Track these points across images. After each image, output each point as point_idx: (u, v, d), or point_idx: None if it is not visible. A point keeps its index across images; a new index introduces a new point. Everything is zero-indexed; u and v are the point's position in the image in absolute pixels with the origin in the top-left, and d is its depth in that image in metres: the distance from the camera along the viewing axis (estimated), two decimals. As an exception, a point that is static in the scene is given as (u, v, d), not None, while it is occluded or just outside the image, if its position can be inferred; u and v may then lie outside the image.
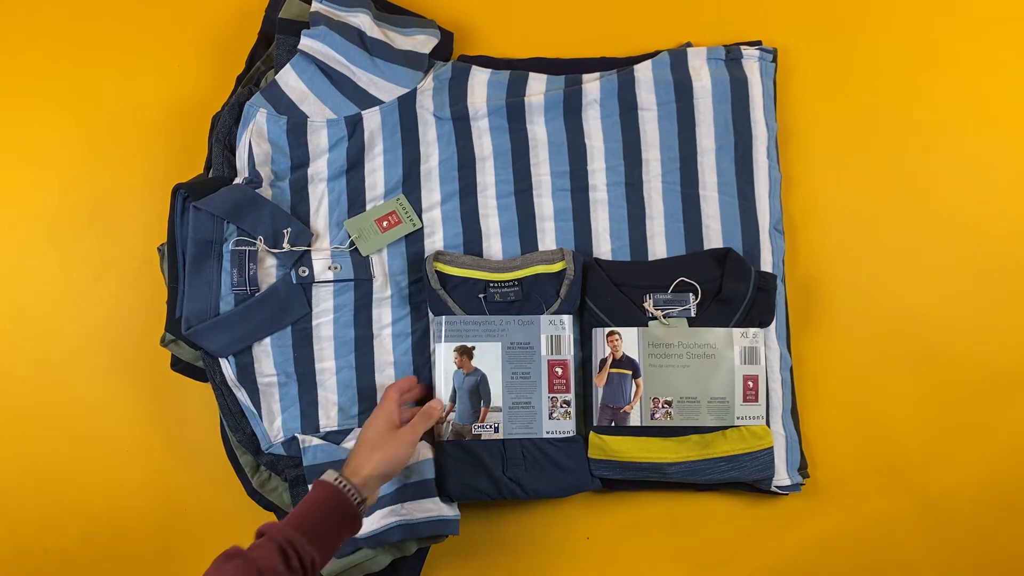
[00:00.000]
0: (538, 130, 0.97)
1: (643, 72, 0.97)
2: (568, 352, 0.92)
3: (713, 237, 0.96)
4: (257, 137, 0.93)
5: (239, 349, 0.89)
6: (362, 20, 0.93)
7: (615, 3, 1.03)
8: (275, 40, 0.95)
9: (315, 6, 0.93)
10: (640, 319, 0.92)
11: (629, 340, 0.92)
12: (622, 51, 1.01)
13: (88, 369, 0.98)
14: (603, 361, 0.92)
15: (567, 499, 0.96)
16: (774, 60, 0.99)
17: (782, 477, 0.94)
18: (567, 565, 0.96)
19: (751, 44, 0.99)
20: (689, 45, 1.00)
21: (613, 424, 0.92)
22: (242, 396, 0.90)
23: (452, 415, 0.89)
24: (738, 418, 0.91)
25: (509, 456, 0.89)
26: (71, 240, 1.00)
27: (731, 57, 0.98)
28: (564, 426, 0.91)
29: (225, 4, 1.03)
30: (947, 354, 0.98)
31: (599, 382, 0.92)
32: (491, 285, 0.92)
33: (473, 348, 0.90)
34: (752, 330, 0.92)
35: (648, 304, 0.92)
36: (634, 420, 0.91)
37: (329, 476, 0.77)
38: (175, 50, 1.02)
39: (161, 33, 1.02)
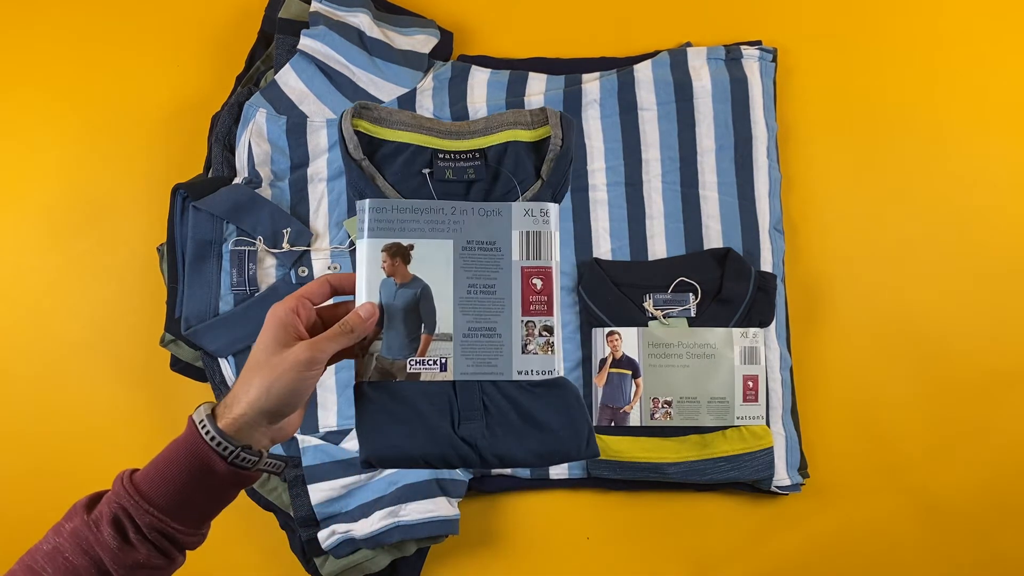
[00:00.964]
0: (538, 130, 0.96)
1: (643, 72, 0.97)
2: (551, 256, 0.63)
3: (713, 237, 0.96)
4: (257, 137, 0.93)
5: (239, 349, 0.89)
6: (362, 20, 0.93)
7: (615, 3, 1.03)
8: (275, 40, 0.95)
9: (315, 6, 0.93)
10: (640, 319, 0.92)
11: (629, 340, 0.92)
12: (622, 51, 1.01)
13: (88, 369, 0.98)
14: (603, 361, 0.92)
15: (567, 499, 0.96)
16: (774, 60, 0.99)
17: (782, 477, 0.94)
18: (567, 565, 0.96)
19: (751, 44, 0.99)
20: (689, 45, 1.00)
21: (613, 424, 0.92)
22: (242, 396, 0.90)
23: (377, 344, 0.61)
24: (738, 418, 0.91)
25: (462, 406, 0.61)
26: (71, 240, 1.00)
27: (731, 57, 0.98)
28: (544, 363, 0.62)
29: (225, 4, 1.03)
30: (947, 354, 0.98)
31: (599, 382, 0.92)
32: (440, 156, 0.64)
33: (411, 248, 0.62)
34: (752, 330, 0.92)
35: (648, 304, 0.92)
36: (634, 420, 0.92)
37: (197, 414, 0.56)
38: (175, 50, 1.02)
39: (161, 33, 1.02)
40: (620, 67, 0.98)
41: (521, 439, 0.61)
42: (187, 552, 0.58)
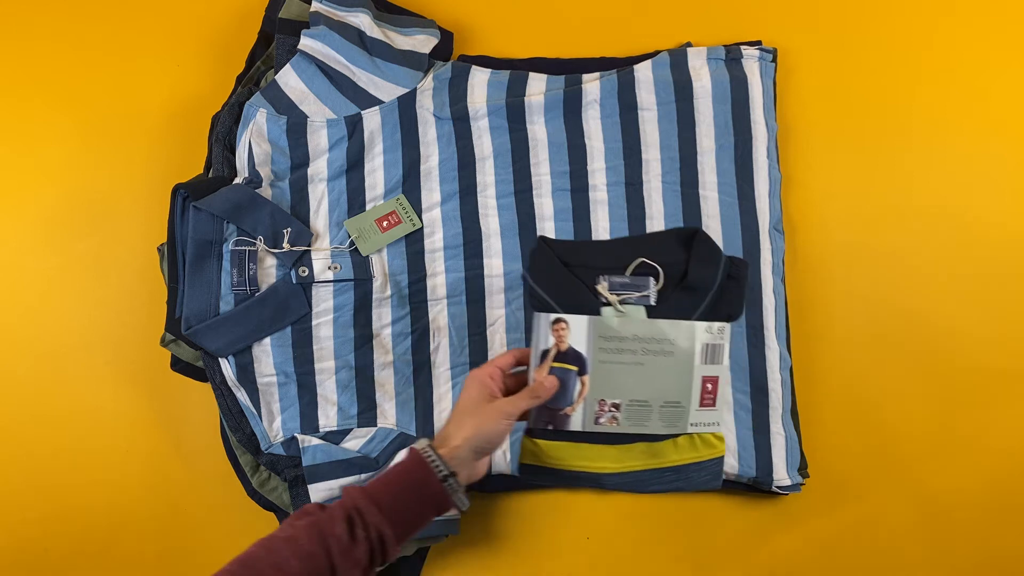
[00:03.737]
0: (538, 130, 0.97)
1: (643, 72, 0.97)
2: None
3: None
4: (257, 137, 0.93)
5: (239, 349, 0.89)
6: (362, 20, 0.93)
7: (615, 3, 1.03)
8: (275, 40, 0.95)
9: (315, 6, 0.93)
10: (591, 305, 0.79)
11: (577, 330, 0.77)
12: (622, 51, 1.01)
13: (88, 369, 0.98)
14: (545, 353, 0.77)
15: (567, 499, 0.97)
16: (774, 60, 0.99)
17: (782, 477, 0.94)
18: (567, 565, 0.96)
19: (751, 44, 0.99)
20: (689, 45, 1.00)
21: (551, 427, 0.79)
22: (242, 396, 0.90)
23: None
24: (692, 425, 0.80)
25: None
26: (71, 240, 1.00)
27: (731, 57, 0.98)
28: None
29: (225, 4, 1.03)
30: (947, 354, 0.98)
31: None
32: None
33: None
34: (718, 324, 0.80)
35: (602, 287, 0.79)
36: (575, 424, 0.79)
37: (419, 444, 0.70)
38: (175, 50, 1.02)
39: (161, 33, 1.03)
40: (620, 67, 0.98)
41: None
42: (369, 570, 0.66)
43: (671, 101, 0.96)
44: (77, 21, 1.03)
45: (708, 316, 0.80)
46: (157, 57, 1.02)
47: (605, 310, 0.79)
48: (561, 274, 0.80)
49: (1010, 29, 1.02)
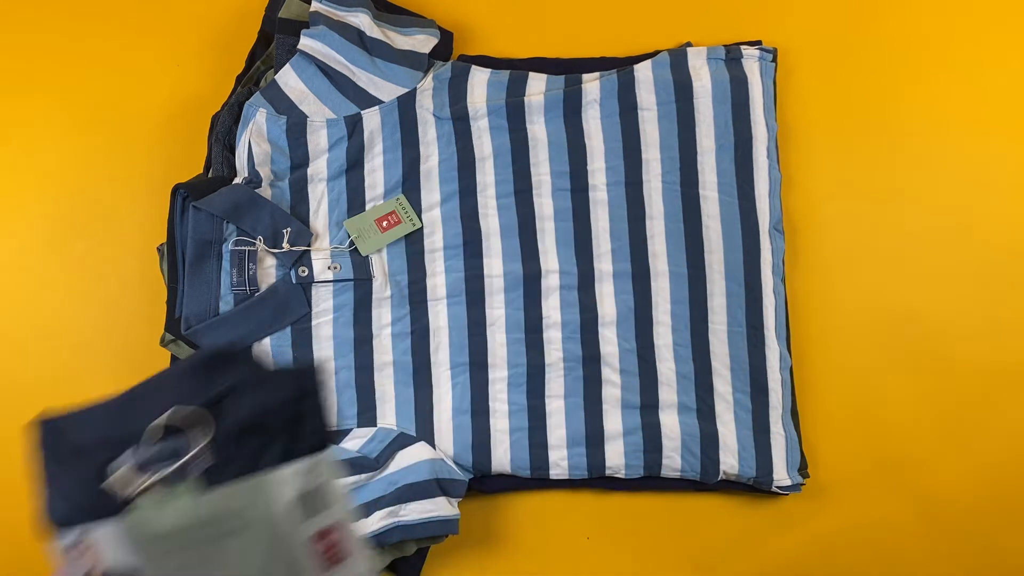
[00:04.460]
0: (538, 130, 0.97)
1: (643, 72, 0.97)
2: None
3: (713, 237, 0.96)
4: (257, 137, 0.93)
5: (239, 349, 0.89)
6: (362, 20, 0.93)
7: (615, 3, 1.03)
8: (275, 40, 0.95)
9: (315, 6, 0.93)
10: (112, 504, 0.52)
11: (110, 544, 0.51)
12: (622, 51, 1.01)
13: (88, 369, 0.98)
14: None
15: (567, 499, 0.96)
16: (774, 60, 0.99)
17: (782, 477, 0.94)
18: (567, 565, 0.96)
19: (751, 44, 0.99)
20: (689, 45, 1.00)
21: None
22: (242, 396, 0.90)
23: None
24: None
25: None
26: (71, 240, 1.00)
27: (731, 57, 0.98)
28: None
29: (225, 4, 1.03)
30: (948, 354, 0.98)
31: None
32: None
33: None
34: (308, 461, 0.55)
35: (120, 476, 0.52)
36: None
37: None
38: (175, 50, 1.02)
39: (161, 33, 1.03)
40: (620, 67, 0.98)
41: None
42: None
43: (671, 101, 0.96)
44: (77, 20, 1.03)
45: (289, 455, 0.55)
46: (157, 57, 1.02)
47: (146, 501, 0.53)
48: (73, 468, 0.53)
49: (1010, 29, 1.02)
